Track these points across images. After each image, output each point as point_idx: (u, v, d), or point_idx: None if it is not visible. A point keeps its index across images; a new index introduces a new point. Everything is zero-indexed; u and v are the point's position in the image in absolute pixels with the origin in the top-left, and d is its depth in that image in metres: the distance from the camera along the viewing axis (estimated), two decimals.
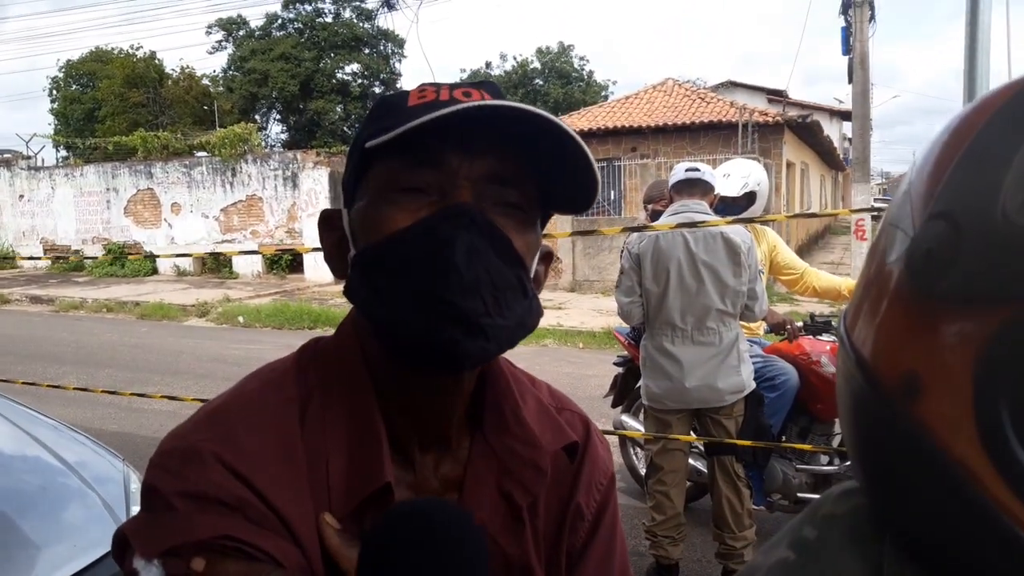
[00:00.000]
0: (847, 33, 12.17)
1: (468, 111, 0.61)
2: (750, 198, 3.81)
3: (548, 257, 0.78)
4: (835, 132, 29.86)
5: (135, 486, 2.37)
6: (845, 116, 26.47)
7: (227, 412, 0.71)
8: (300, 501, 0.67)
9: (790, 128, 15.72)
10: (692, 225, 3.10)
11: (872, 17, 12.21)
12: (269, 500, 0.65)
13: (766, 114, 15.84)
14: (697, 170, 3.30)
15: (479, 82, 0.71)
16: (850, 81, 12.44)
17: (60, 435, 2.58)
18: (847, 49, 12.22)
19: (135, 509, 2.09)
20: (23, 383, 5.03)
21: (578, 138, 0.65)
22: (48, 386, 4.71)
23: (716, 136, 14.93)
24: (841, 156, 27.09)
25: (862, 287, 0.51)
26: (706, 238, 3.15)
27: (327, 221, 0.76)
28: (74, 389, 5.16)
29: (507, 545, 0.76)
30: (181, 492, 0.64)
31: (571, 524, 0.82)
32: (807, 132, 17.17)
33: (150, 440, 5.37)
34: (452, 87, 0.68)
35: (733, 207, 3.76)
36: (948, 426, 0.41)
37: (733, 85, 28.71)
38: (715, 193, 3.39)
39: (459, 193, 0.65)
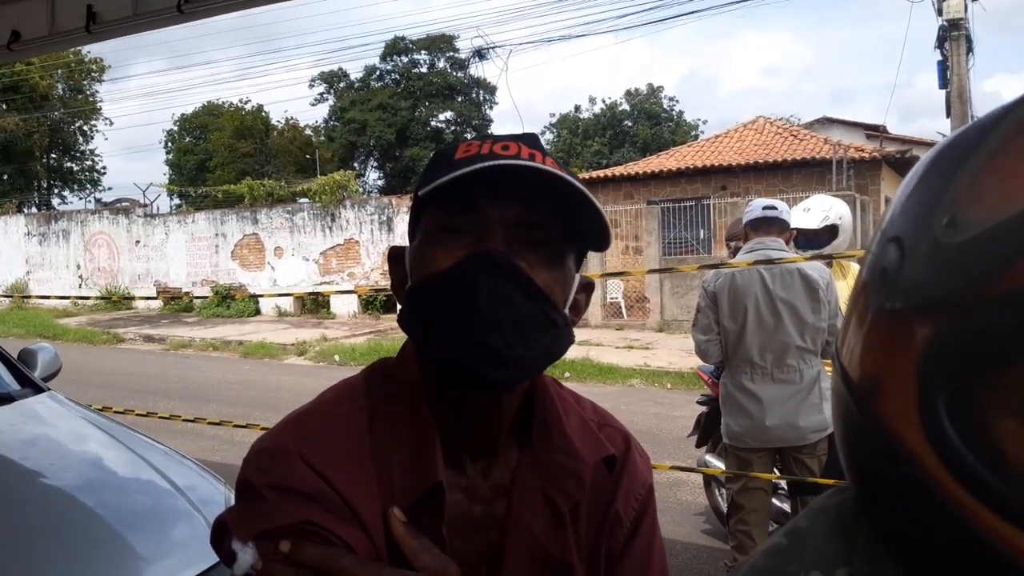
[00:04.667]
0: (943, 67, 11.83)
1: (496, 168, 0.73)
2: (832, 231, 3.77)
3: (588, 287, 0.87)
4: None
5: None
6: None
7: (309, 418, 0.83)
8: (369, 496, 0.78)
9: (888, 164, 15.24)
10: (769, 262, 3.11)
11: (970, 50, 11.84)
12: (343, 494, 0.76)
13: (862, 150, 15.40)
14: (774, 208, 3.30)
15: (518, 135, 0.81)
16: (948, 115, 12.04)
17: (170, 460, 2.77)
18: (944, 83, 11.86)
19: None
20: (137, 414, 5.39)
21: (585, 191, 0.76)
22: (160, 417, 5.04)
23: (810, 173, 14.61)
24: None
25: (848, 308, 0.59)
26: (783, 275, 3.14)
27: (394, 257, 0.88)
28: (183, 420, 5.49)
29: (550, 545, 0.85)
30: (270, 485, 0.76)
31: (610, 529, 0.90)
32: (907, 168, 16.52)
33: None
34: (494, 141, 0.79)
35: (815, 240, 3.74)
36: (900, 420, 0.48)
37: (829, 121, 27.99)
38: (791, 230, 3.39)
39: (491, 235, 0.76)
